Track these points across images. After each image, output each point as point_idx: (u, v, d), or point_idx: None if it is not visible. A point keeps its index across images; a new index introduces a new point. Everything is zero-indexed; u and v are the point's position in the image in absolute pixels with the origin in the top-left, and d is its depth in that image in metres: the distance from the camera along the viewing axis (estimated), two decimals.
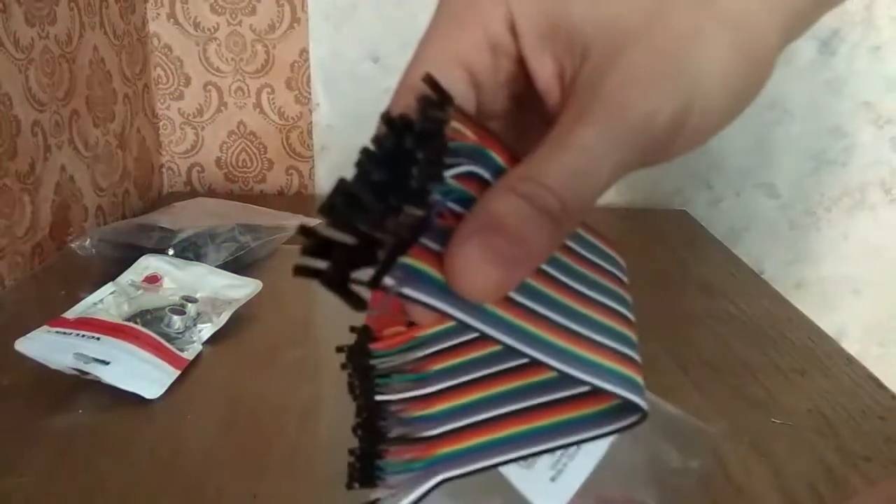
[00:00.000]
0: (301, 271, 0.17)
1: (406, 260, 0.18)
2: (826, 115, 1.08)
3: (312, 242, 0.17)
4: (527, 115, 0.24)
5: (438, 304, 0.18)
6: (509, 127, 0.24)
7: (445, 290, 0.19)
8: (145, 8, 1.02)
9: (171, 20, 1.03)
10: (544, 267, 0.22)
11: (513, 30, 0.22)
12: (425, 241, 0.18)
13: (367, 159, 0.18)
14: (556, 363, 0.20)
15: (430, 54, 0.22)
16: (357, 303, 0.18)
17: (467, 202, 0.19)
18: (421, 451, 0.24)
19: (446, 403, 0.25)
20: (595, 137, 0.19)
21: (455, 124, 0.20)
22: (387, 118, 0.18)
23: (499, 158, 0.21)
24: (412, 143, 0.17)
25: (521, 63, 0.22)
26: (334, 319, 0.70)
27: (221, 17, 1.03)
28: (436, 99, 0.19)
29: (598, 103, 0.20)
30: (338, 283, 0.17)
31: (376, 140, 0.18)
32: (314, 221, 0.65)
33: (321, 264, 0.17)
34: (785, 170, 1.11)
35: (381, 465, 0.24)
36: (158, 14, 1.03)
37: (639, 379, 0.23)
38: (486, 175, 0.20)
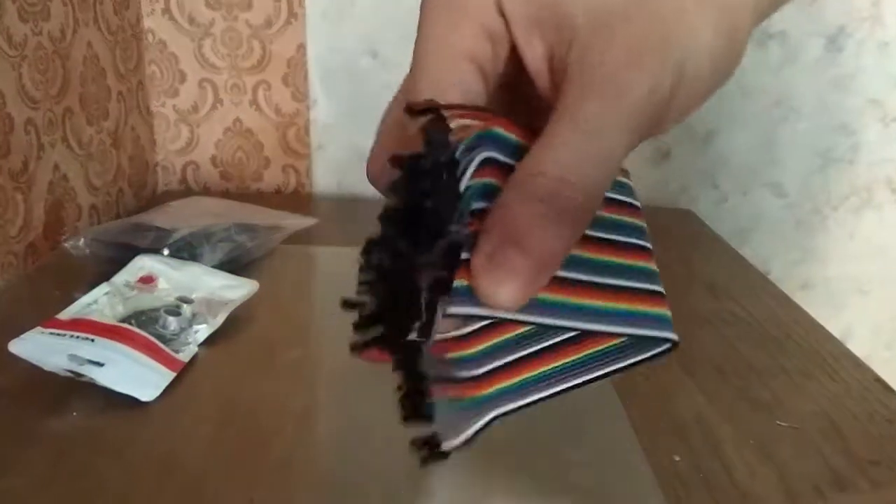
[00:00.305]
0: (359, 347, 0.20)
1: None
2: (833, 112, 1.08)
3: (363, 318, 0.20)
4: (515, 100, 0.24)
5: (478, 312, 0.20)
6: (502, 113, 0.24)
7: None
8: (140, 3, 1.01)
9: (166, 15, 1.02)
10: None
11: (503, 16, 0.22)
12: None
13: (389, 216, 0.20)
14: (591, 326, 0.23)
15: (435, 52, 0.23)
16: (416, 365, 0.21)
17: (491, 194, 0.20)
18: (465, 391, 0.24)
19: (485, 343, 0.24)
20: (605, 118, 0.19)
21: (459, 122, 0.20)
22: (398, 161, 0.19)
23: (510, 135, 0.21)
24: (426, 187, 0.19)
25: (512, 49, 0.23)
26: (332, 320, 0.70)
27: (217, 13, 1.02)
28: (434, 124, 0.20)
29: (600, 83, 0.20)
30: (397, 342, 0.20)
31: (393, 186, 0.20)
32: (311, 221, 0.64)
33: (376, 331, 0.20)
34: (791, 168, 1.10)
35: (429, 403, 0.24)
36: (153, 9, 1.02)
37: (667, 312, 0.25)
38: (502, 157, 0.20)
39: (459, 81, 0.21)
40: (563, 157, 0.19)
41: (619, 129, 0.19)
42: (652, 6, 0.20)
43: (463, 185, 0.19)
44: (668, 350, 0.25)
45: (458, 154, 0.19)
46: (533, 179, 0.19)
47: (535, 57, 0.22)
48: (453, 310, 0.19)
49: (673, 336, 0.25)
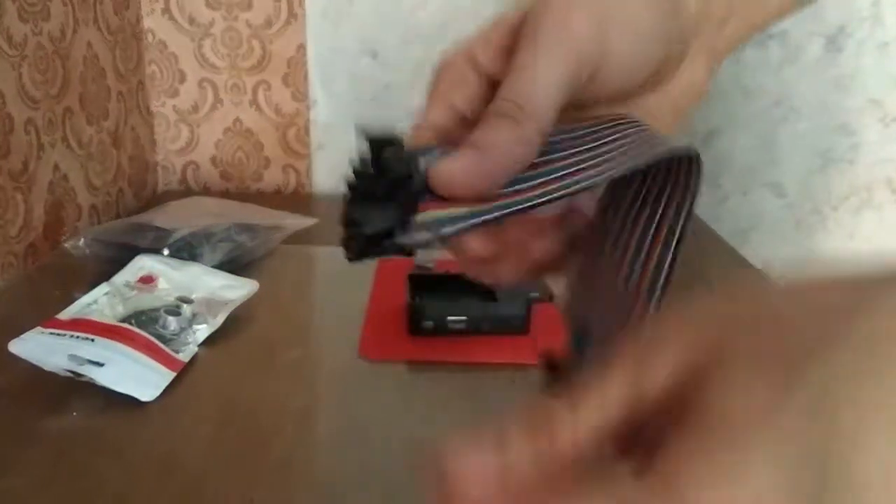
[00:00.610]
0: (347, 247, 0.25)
1: (425, 215, 0.24)
2: (833, 112, 1.07)
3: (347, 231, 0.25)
4: None
5: (474, 221, 0.24)
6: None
7: (469, 214, 0.24)
8: (140, 3, 1.01)
9: (166, 15, 1.02)
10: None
11: (476, 66, 0.28)
12: (426, 200, 0.24)
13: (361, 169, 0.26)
14: (605, 173, 0.25)
15: (425, 107, 0.29)
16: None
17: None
18: (436, 208, 0.25)
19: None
20: (531, 57, 0.26)
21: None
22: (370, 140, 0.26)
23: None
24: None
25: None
26: (331, 320, 0.70)
27: (217, 13, 1.02)
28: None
29: (535, 37, 0.26)
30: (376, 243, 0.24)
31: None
32: (311, 221, 0.64)
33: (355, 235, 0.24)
34: (792, 168, 1.10)
35: (419, 220, 0.25)
36: (153, 9, 1.02)
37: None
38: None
39: (433, 122, 0.28)
40: (502, 89, 0.26)
41: (543, 61, 0.25)
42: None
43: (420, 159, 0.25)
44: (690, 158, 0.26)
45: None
46: (488, 109, 0.26)
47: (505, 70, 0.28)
48: (446, 230, 0.24)
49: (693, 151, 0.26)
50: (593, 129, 0.27)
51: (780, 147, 1.09)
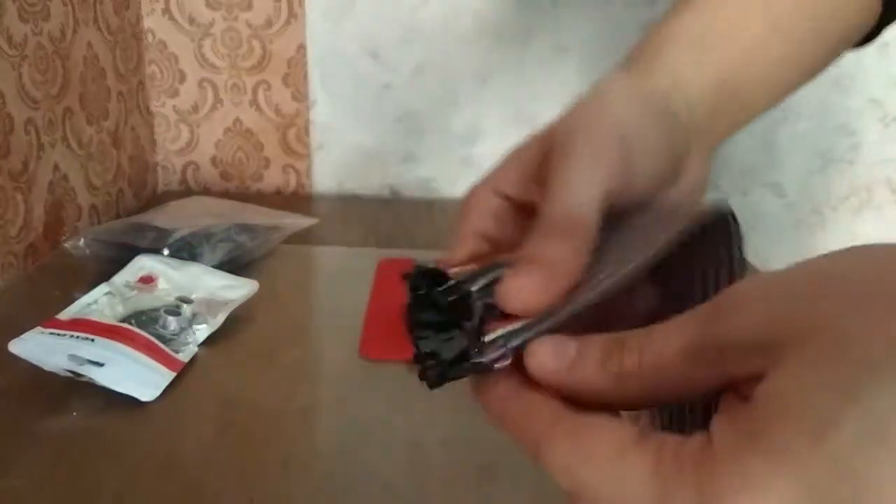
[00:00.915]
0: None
1: (494, 333, 0.25)
2: (833, 112, 1.07)
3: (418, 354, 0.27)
4: None
5: (539, 329, 0.25)
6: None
7: (534, 323, 0.25)
8: (140, 3, 1.01)
9: (166, 15, 1.02)
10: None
11: (503, 193, 0.31)
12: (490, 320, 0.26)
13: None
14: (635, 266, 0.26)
15: (456, 235, 0.32)
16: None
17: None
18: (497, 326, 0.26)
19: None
20: (573, 175, 0.27)
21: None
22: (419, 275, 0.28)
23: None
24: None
25: (526, 208, 0.31)
26: (331, 320, 0.70)
27: (217, 13, 1.02)
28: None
29: (570, 159, 0.28)
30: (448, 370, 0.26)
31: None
32: (311, 221, 0.64)
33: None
34: (791, 169, 1.10)
35: (490, 339, 0.26)
36: (153, 9, 1.02)
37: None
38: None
39: (466, 251, 0.30)
40: (546, 208, 0.27)
41: (578, 184, 0.27)
42: (607, 121, 0.29)
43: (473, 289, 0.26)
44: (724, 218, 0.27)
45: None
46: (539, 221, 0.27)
47: (534, 193, 0.29)
48: (515, 343, 0.25)
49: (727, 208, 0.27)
50: (629, 225, 0.29)
51: (780, 147, 1.09)
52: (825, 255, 0.20)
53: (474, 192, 0.31)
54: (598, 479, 0.20)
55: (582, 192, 0.27)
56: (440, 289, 0.27)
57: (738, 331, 0.19)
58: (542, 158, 0.29)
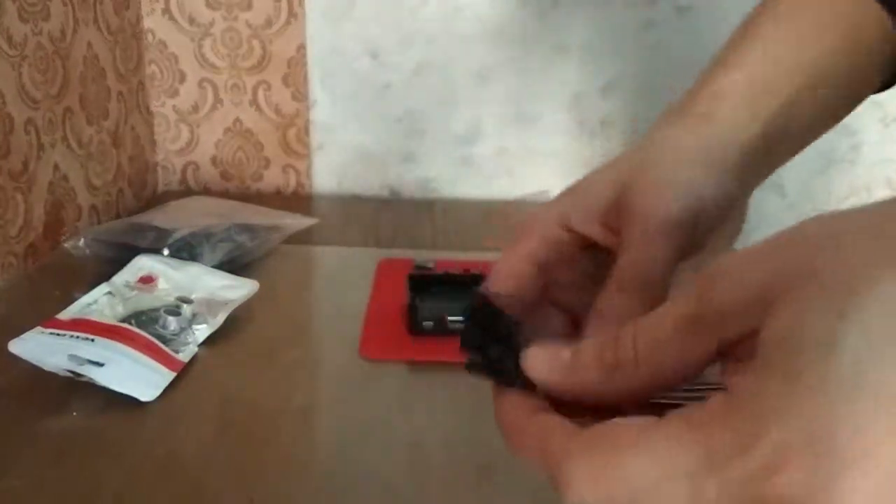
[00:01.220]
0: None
1: None
2: None
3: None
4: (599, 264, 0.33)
5: None
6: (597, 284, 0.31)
7: None
8: (140, 3, 1.01)
9: (166, 15, 1.02)
10: None
11: (568, 227, 0.32)
12: None
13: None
14: None
15: (509, 254, 0.32)
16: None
17: None
18: None
19: None
20: (643, 237, 0.29)
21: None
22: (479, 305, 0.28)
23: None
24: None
25: (579, 242, 0.32)
26: (331, 320, 0.70)
27: (217, 13, 1.02)
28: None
29: (639, 218, 0.30)
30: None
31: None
32: (311, 221, 0.64)
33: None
34: (792, 169, 1.10)
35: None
36: (153, 9, 1.02)
37: None
38: None
39: (518, 272, 0.31)
40: (621, 264, 0.29)
41: (655, 242, 0.29)
42: (681, 177, 0.31)
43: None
44: None
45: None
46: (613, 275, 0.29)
47: (595, 232, 0.32)
48: None
49: None
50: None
51: None
52: (796, 225, 0.21)
53: (539, 216, 0.32)
54: (632, 473, 0.20)
55: (659, 250, 0.28)
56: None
57: (730, 292, 0.20)
58: (614, 201, 0.31)
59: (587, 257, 0.33)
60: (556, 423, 0.23)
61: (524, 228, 0.33)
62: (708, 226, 0.31)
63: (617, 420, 0.21)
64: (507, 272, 0.32)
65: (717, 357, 0.21)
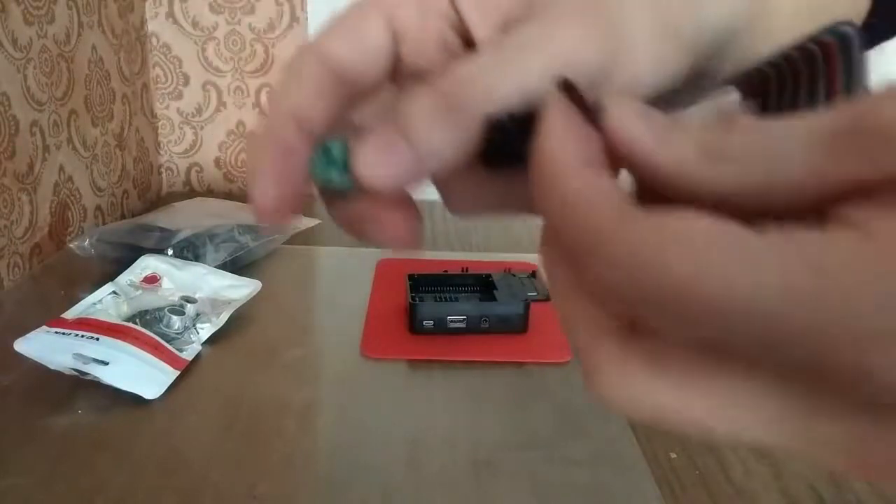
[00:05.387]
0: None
1: None
2: None
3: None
4: None
5: None
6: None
7: None
8: (144, 7, 1.02)
9: (170, 19, 1.03)
10: None
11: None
12: None
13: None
14: None
15: (362, 2, 0.25)
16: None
17: None
18: None
19: None
20: (518, 42, 0.21)
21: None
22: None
23: None
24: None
25: (457, 26, 0.24)
26: (333, 319, 0.70)
27: (220, 17, 1.03)
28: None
29: (528, 25, 0.21)
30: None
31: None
32: (313, 222, 0.65)
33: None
34: None
35: None
36: (157, 13, 1.03)
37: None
38: None
39: (362, 29, 0.24)
40: (471, 60, 0.21)
41: (532, 52, 0.20)
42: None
43: None
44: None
45: None
46: (441, 77, 0.21)
47: (486, 30, 0.23)
48: None
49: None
50: None
51: None
52: None
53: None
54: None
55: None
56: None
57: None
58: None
59: (454, 44, 0.24)
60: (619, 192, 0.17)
61: None
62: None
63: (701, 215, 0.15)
64: (355, 29, 0.25)
65: (850, 192, 0.15)
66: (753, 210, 0.16)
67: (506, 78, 0.20)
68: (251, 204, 0.23)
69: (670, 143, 0.17)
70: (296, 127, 0.23)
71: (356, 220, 0.23)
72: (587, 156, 0.18)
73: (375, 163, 0.21)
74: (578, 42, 0.21)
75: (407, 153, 0.20)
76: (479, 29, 0.23)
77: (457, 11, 0.23)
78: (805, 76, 0.22)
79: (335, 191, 0.23)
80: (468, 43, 0.24)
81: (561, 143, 0.18)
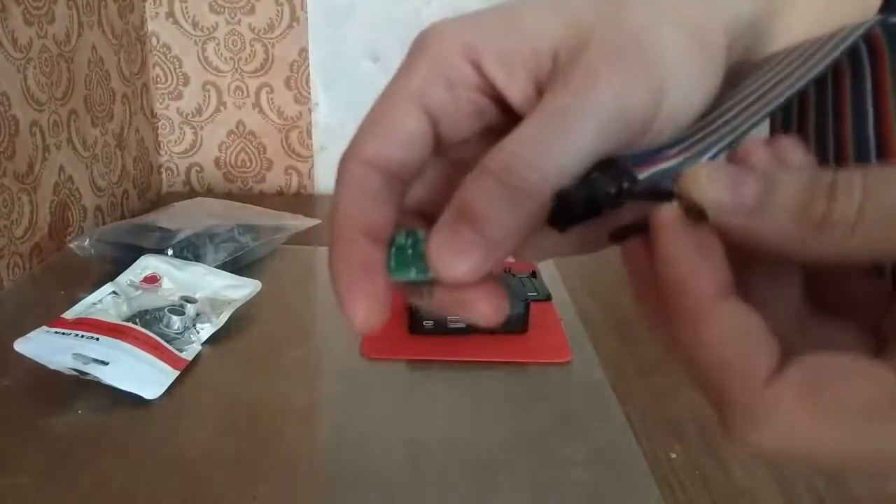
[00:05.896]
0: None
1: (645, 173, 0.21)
2: None
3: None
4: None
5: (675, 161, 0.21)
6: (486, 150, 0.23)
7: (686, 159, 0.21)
8: (144, 7, 1.02)
9: (170, 19, 1.03)
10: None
11: (474, 62, 0.23)
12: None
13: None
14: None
15: (389, 93, 0.25)
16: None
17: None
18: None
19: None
20: (565, 105, 0.20)
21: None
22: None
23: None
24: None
25: (488, 90, 0.23)
26: (333, 320, 0.70)
27: (220, 17, 1.03)
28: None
29: (569, 82, 0.21)
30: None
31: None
32: (313, 222, 0.65)
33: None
34: None
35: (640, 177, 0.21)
36: (157, 13, 1.03)
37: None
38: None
39: (398, 121, 0.23)
40: (523, 135, 0.20)
41: (583, 115, 0.20)
42: (626, 22, 0.21)
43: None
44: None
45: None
46: (490, 155, 0.20)
47: (516, 92, 0.23)
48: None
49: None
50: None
51: None
52: None
53: (437, 34, 0.23)
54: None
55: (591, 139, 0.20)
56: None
57: None
58: (561, 48, 0.22)
59: (490, 109, 0.24)
60: (712, 261, 0.17)
61: (415, 53, 0.23)
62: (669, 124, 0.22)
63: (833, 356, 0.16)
64: (391, 123, 0.24)
65: None
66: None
67: (565, 147, 0.20)
68: (349, 323, 0.22)
69: (767, 215, 0.17)
70: (366, 240, 0.22)
71: (444, 306, 0.24)
72: (720, 282, 0.18)
73: (451, 260, 0.20)
74: (625, 88, 0.20)
75: (480, 243, 0.20)
76: (511, 90, 0.23)
77: (483, 76, 0.23)
78: (848, 73, 0.23)
79: (418, 283, 0.23)
80: (502, 106, 0.23)
81: (691, 270, 0.18)
